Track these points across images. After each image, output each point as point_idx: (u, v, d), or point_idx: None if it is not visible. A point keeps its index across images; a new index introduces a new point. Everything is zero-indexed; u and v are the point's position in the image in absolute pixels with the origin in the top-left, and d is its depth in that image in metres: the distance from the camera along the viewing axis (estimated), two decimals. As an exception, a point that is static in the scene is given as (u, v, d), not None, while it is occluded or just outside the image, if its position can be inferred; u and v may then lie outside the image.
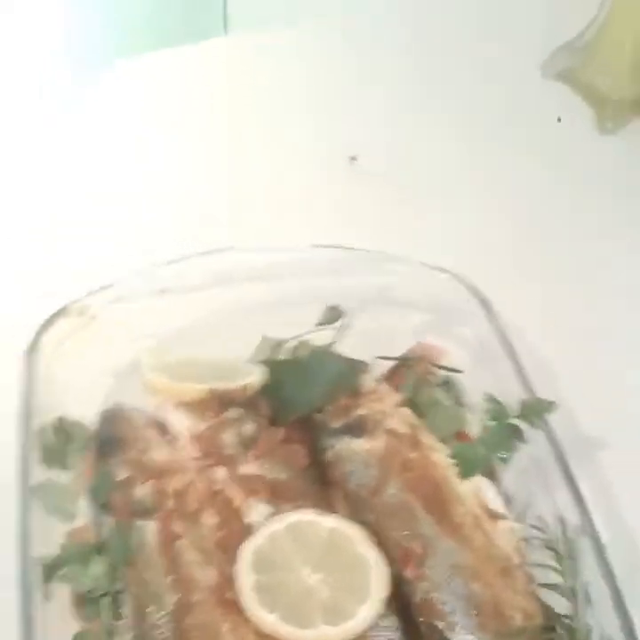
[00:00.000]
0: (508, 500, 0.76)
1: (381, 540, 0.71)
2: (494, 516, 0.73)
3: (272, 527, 0.70)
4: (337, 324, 0.85)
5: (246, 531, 0.71)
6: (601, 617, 0.67)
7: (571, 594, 0.69)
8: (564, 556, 0.71)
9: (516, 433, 0.77)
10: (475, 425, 0.80)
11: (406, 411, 0.80)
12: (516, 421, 0.77)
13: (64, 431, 0.77)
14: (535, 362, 0.81)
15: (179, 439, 0.78)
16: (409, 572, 0.70)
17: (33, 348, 0.78)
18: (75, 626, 0.69)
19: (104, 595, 0.69)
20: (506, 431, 0.77)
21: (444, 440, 0.78)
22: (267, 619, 0.66)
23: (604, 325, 0.94)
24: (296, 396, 0.80)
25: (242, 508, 0.73)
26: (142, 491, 0.74)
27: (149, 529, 0.72)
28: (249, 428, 0.78)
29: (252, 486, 0.74)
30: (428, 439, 0.78)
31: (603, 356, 0.91)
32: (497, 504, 0.74)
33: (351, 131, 1.14)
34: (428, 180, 1.08)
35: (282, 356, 0.85)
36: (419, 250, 0.85)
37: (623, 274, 1.00)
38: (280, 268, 0.84)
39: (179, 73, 1.22)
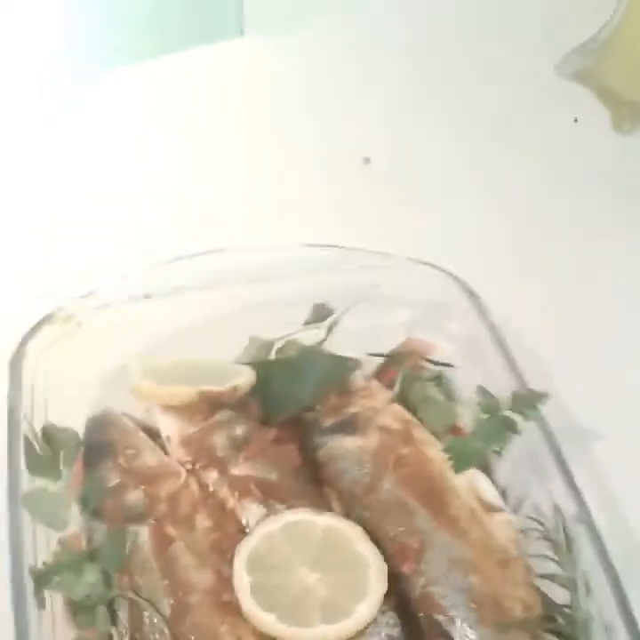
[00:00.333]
0: (503, 493, 0.75)
1: (377, 537, 0.70)
2: (490, 508, 0.73)
3: (267, 527, 0.70)
4: (325, 323, 0.85)
5: (241, 532, 0.71)
6: (600, 605, 0.67)
7: (569, 583, 0.69)
8: (562, 546, 0.70)
9: (510, 425, 0.76)
10: (468, 419, 0.80)
11: (398, 407, 0.80)
12: (508, 414, 0.76)
13: (52, 438, 0.76)
14: (532, 358, 0.82)
15: (169, 443, 0.77)
16: (406, 568, 0.69)
17: (19, 356, 0.77)
18: (70, 634, 0.68)
19: (98, 602, 0.68)
20: (499, 424, 0.76)
21: (437, 435, 0.78)
22: (265, 619, 0.65)
23: (604, 325, 0.94)
24: (286, 395, 0.80)
25: (235, 510, 0.72)
26: (134, 496, 0.73)
27: (143, 534, 0.71)
28: (239, 429, 0.77)
29: (244, 487, 0.73)
30: (420, 434, 0.77)
31: (603, 356, 0.91)
32: (493, 496, 0.74)
33: (352, 131, 1.14)
34: (428, 180, 1.09)
35: (270, 357, 0.84)
36: (419, 250, 0.85)
37: (623, 274, 1.00)
38: (267, 269, 0.83)
39: (185, 74, 1.23)
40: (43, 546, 0.71)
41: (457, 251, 0.91)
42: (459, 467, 0.75)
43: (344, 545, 0.69)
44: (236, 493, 0.73)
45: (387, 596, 0.67)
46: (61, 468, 0.76)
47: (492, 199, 1.07)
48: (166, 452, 0.77)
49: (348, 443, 0.77)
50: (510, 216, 1.05)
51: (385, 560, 0.69)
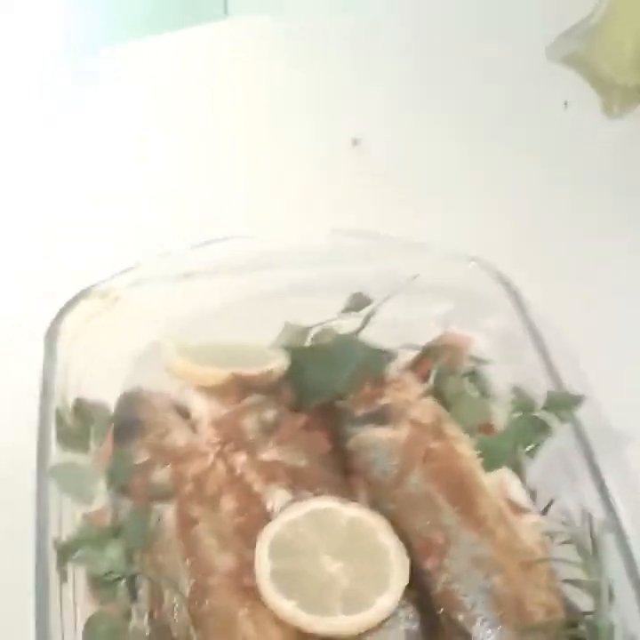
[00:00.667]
0: (533, 494, 0.75)
1: (402, 530, 0.70)
2: (518, 509, 0.72)
3: (292, 514, 0.70)
4: (362, 312, 0.84)
5: (265, 517, 0.71)
6: (625, 614, 0.66)
7: (594, 590, 0.68)
8: (589, 551, 0.69)
9: (543, 426, 0.75)
10: (501, 417, 0.79)
11: (431, 401, 0.79)
12: (542, 414, 0.75)
13: (84, 413, 0.77)
14: (563, 355, 0.80)
15: (199, 424, 0.77)
16: (429, 563, 0.69)
17: (55, 329, 0.78)
18: (90, 608, 0.69)
19: (120, 578, 0.68)
20: (532, 424, 0.76)
21: (468, 431, 0.77)
22: (285, 606, 0.65)
23: (603, 325, 0.93)
24: (319, 382, 0.79)
25: (261, 494, 0.72)
26: (161, 474, 0.73)
27: (167, 513, 0.71)
28: (270, 413, 0.77)
29: (272, 472, 0.73)
30: (452, 430, 0.77)
31: (603, 356, 0.90)
32: (521, 497, 0.73)
33: (351, 130, 1.13)
34: (428, 180, 1.08)
35: (305, 343, 0.84)
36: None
37: (623, 274, 0.99)
38: (304, 255, 0.83)
39: (179, 57, 1.23)
40: (68, 519, 0.71)
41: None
42: (489, 465, 0.74)
43: (368, 536, 0.69)
44: (264, 478, 0.73)
45: (407, 590, 0.67)
46: (91, 442, 0.77)
47: (492, 199, 1.06)
48: (196, 433, 0.77)
49: (379, 434, 0.76)
50: (510, 216, 1.04)
51: (408, 554, 0.68)
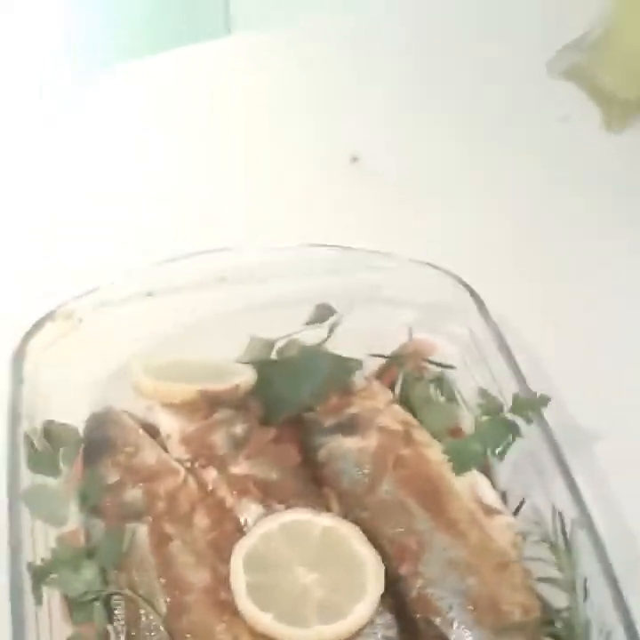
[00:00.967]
0: (503, 495, 0.75)
1: (376, 538, 0.70)
2: (490, 510, 0.73)
3: (265, 527, 0.70)
4: (327, 323, 0.84)
5: (239, 531, 0.71)
6: (600, 610, 0.66)
7: (569, 587, 0.68)
8: (562, 549, 0.70)
9: (511, 427, 0.76)
10: (468, 421, 0.80)
11: (398, 408, 0.79)
12: (509, 416, 0.76)
13: (53, 435, 0.76)
14: (532, 359, 0.81)
15: (169, 441, 0.77)
16: (404, 569, 0.69)
17: (20, 353, 0.77)
18: (67, 630, 0.68)
19: (96, 598, 0.68)
20: (500, 426, 0.76)
21: (437, 436, 0.78)
22: (262, 619, 0.65)
23: (604, 325, 0.93)
24: (286, 395, 0.79)
25: (234, 509, 0.72)
26: (133, 494, 0.73)
27: (141, 532, 0.71)
28: (239, 428, 0.77)
29: (243, 486, 0.73)
30: (421, 436, 0.77)
31: (603, 356, 0.91)
32: (492, 499, 0.74)
33: (351, 131, 1.13)
34: (428, 180, 1.08)
35: (272, 356, 0.84)
36: (419, 250, 0.84)
37: (623, 274, 0.99)
38: (269, 269, 0.83)
39: (181, 73, 1.22)
40: (41, 542, 0.71)
41: (457, 251, 0.91)
42: (459, 469, 0.75)
43: (342, 545, 0.69)
44: (235, 492, 0.73)
45: (384, 596, 0.67)
46: (61, 465, 0.76)
47: (492, 199, 1.06)
48: (166, 450, 0.77)
49: (349, 443, 0.77)
50: (510, 216, 1.04)
51: (383, 561, 0.68)
